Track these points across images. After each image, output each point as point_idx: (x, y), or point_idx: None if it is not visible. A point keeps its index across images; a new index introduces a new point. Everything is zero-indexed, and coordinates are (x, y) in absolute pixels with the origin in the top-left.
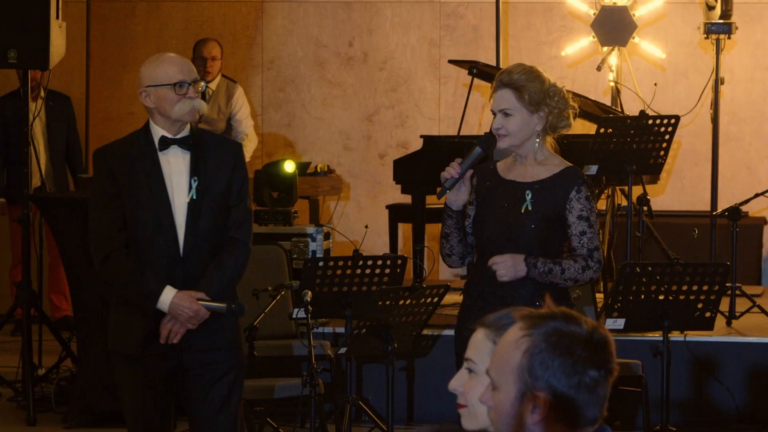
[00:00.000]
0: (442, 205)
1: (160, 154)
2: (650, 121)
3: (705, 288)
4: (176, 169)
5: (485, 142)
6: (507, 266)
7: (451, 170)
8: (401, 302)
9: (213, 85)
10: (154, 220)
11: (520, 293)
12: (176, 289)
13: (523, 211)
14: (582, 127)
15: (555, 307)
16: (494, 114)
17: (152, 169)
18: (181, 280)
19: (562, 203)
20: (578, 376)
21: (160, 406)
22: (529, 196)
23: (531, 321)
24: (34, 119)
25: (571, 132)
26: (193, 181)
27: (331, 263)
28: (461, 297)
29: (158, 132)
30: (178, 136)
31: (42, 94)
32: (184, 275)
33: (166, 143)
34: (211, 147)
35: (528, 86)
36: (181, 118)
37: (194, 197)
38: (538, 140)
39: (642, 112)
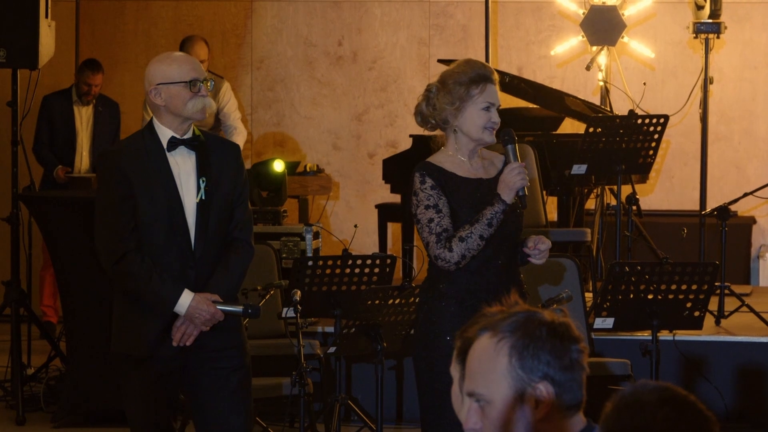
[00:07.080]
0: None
1: (168, 154)
2: (639, 121)
3: (694, 287)
4: (184, 169)
5: (511, 137)
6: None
7: (525, 177)
8: (390, 301)
9: None
10: (168, 222)
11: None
12: (193, 293)
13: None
14: (571, 126)
15: (510, 305)
16: (489, 108)
17: (162, 170)
18: (193, 281)
19: None
20: (568, 355)
21: (165, 408)
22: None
23: (496, 326)
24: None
25: (560, 131)
26: (201, 182)
27: (321, 263)
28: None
29: (166, 132)
30: (185, 137)
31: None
32: (197, 276)
33: (174, 144)
34: (214, 148)
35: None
36: (192, 116)
37: (203, 197)
38: None
39: (631, 111)
